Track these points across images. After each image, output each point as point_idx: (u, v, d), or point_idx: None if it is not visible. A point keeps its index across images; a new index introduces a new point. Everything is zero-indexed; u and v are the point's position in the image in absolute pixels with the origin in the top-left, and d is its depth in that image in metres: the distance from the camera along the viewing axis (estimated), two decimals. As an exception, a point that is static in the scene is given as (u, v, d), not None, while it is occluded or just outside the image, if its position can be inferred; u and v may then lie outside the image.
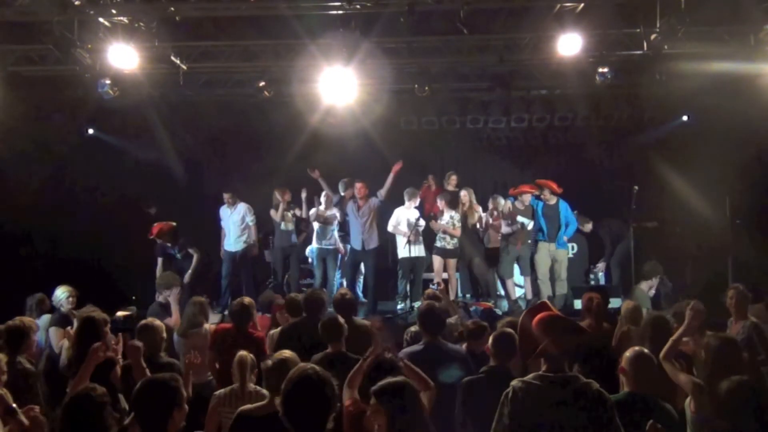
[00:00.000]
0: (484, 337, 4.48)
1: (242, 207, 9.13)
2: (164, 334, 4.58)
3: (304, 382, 2.55)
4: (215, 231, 10.35)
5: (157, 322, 4.66)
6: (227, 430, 3.63)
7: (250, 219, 9.13)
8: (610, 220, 9.62)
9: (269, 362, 3.44)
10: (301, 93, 8.90)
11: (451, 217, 8.66)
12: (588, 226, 9.51)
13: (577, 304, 7.40)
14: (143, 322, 4.67)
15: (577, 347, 3.18)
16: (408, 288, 8.74)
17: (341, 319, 4.52)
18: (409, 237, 8.40)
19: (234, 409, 3.75)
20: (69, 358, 4.52)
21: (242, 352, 4.05)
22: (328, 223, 8.93)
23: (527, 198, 8.74)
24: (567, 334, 3.07)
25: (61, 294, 6.02)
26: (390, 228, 8.81)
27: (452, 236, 8.68)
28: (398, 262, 8.78)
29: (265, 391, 3.81)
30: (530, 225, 8.59)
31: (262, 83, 8.57)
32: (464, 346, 4.75)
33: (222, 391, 3.98)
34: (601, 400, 2.98)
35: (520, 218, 8.62)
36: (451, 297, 8.30)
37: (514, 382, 3.05)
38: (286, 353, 3.57)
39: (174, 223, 8.44)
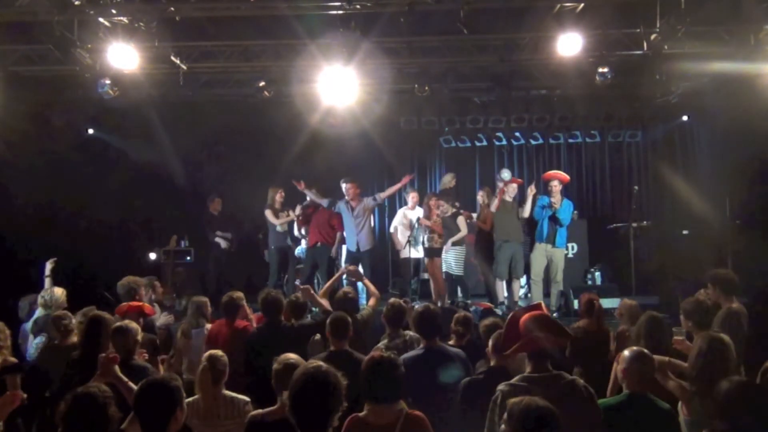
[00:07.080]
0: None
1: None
2: (138, 337, 4.30)
3: (309, 380, 2.54)
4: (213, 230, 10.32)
5: (133, 324, 4.36)
6: None
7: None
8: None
9: (276, 365, 3.41)
10: (301, 93, 8.90)
11: (437, 215, 8.44)
12: None
13: (576, 304, 7.36)
14: (117, 324, 4.37)
15: (561, 349, 3.17)
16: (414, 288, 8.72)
17: (348, 318, 4.47)
18: (408, 237, 8.36)
19: (204, 421, 3.66)
20: (74, 358, 4.49)
21: (207, 355, 3.83)
22: None
23: (512, 188, 8.53)
24: (549, 334, 3.07)
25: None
26: (392, 227, 8.74)
27: (434, 232, 8.34)
28: (399, 263, 8.69)
29: (241, 397, 3.81)
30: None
31: (262, 83, 8.56)
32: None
33: (189, 400, 3.63)
34: (588, 396, 2.99)
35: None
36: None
37: (501, 386, 3.05)
38: (292, 356, 3.53)
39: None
